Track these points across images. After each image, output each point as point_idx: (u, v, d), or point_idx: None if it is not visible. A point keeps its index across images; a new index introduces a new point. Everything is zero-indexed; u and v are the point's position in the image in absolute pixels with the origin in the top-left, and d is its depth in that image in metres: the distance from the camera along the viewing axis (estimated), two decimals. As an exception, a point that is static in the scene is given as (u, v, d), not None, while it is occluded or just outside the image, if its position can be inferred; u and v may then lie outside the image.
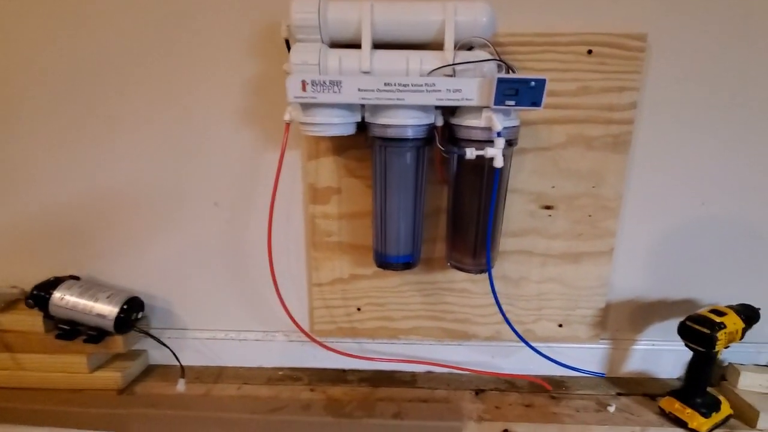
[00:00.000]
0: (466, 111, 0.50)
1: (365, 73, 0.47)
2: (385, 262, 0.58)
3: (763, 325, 0.62)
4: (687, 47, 0.57)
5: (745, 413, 0.62)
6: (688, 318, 0.59)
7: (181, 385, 0.64)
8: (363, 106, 0.51)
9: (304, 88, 0.46)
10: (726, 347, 0.59)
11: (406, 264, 0.58)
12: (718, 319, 0.57)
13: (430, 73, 0.47)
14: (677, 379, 0.71)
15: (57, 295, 0.62)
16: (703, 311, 0.59)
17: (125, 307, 0.63)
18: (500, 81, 0.44)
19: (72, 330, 0.63)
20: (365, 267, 0.65)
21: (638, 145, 0.60)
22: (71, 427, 0.63)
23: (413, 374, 0.72)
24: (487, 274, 0.56)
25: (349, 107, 0.50)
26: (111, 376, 0.65)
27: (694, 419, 0.59)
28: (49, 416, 0.62)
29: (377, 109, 0.50)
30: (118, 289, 0.66)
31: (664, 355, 0.70)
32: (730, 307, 0.60)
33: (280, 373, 0.72)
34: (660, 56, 0.57)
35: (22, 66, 0.60)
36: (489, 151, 0.48)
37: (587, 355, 0.69)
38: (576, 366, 0.64)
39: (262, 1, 0.56)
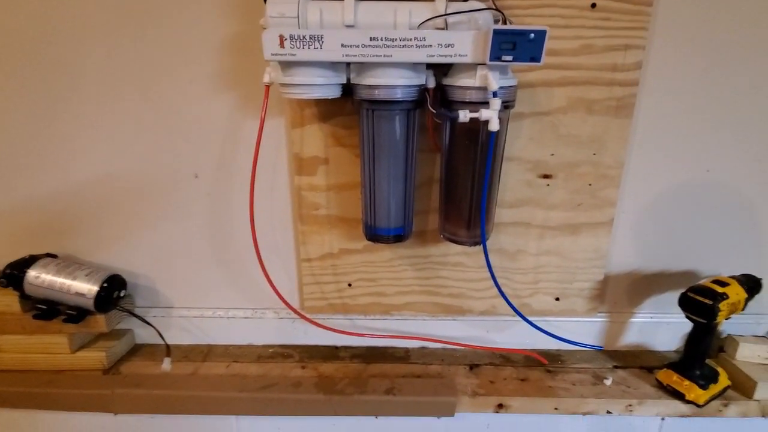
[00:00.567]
0: (460, 69, 0.46)
1: (349, 26, 0.43)
2: (375, 234, 0.55)
3: (762, 296, 0.60)
4: (697, 1, 0.52)
5: (743, 384, 0.61)
6: (690, 289, 0.57)
7: (166, 364, 0.62)
8: (348, 65, 0.48)
9: (281, 44, 0.42)
10: (727, 318, 0.57)
11: (398, 236, 0.55)
12: (720, 290, 0.55)
13: (419, 25, 0.44)
14: (675, 351, 0.70)
15: (32, 273, 0.59)
16: (705, 282, 0.58)
17: (105, 285, 0.60)
18: (496, 33, 0.40)
19: (50, 310, 0.61)
20: (355, 241, 0.63)
21: (642, 109, 0.57)
22: (55, 409, 0.61)
23: (407, 350, 0.70)
24: (481, 246, 0.53)
25: (332, 66, 0.46)
26: (95, 356, 0.63)
27: (692, 391, 0.58)
28: (31, 398, 0.60)
29: (363, 68, 0.46)
30: (98, 267, 0.63)
31: (662, 327, 0.68)
32: (733, 277, 0.58)
33: (271, 350, 0.70)
34: (668, 11, 0.53)
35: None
36: (484, 113, 0.44)
37: (584, 329, 0.68)
38: (573, 339, 0.63)
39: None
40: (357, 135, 0.55)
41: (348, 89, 0.49)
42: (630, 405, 0.60)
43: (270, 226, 0.63)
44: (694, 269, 0.65)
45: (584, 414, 0.61)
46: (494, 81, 0.43)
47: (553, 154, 0.58)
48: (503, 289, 0.58)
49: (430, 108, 0.48)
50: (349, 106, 0.55)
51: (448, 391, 0.61)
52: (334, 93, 0.48)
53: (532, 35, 0.40)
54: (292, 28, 0.42)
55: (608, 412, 0.61)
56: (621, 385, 0.62)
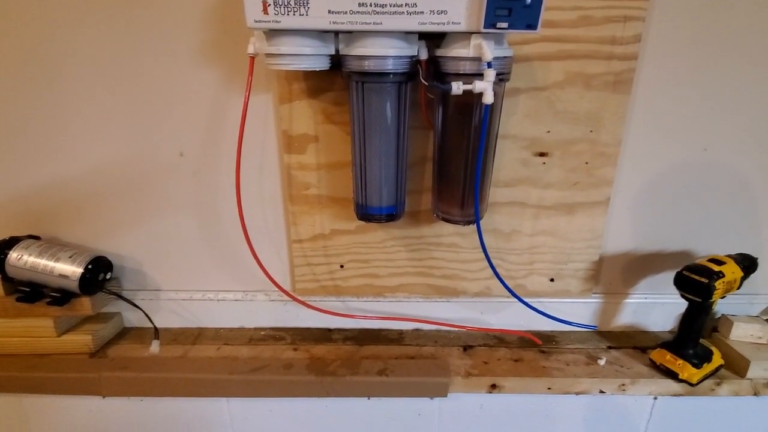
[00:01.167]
0: (453, 39, 0.44)
1: (337, -9, 0.41)
2: (366, 214, 0.54)
3: (756, 276, 0.60)
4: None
5: (736, 363, 0.61)
6: (686, 267, 0.56)
7: (154, 347, 0.61)
8: (337, 35, 0.45)
9: (265, 10, 0.40)
10: (722, 297, 0.57)
11: (390, 216, 0.54)
12: (716, 268, 0.54)
13: (411, -9, 0.41)
14: (669, 332, 0.70)
15: (14, 255, 0.58)
16: (701, 260, 0.57)
17: (90, 266, 0.59)
18: (491, -2, 0.38)
19: (34, 292, 0.59)
20: (347, 221, 0.61)
21: (640, 84, 0.56)
22: (40, 392, 0.60)
23: (400, 332, 0.70)
24: (475, 226, 0.52)
25: (320, 36, 0.44)
26: (81, 340, 0.62)
27: (685, 370, 0.58)
28: (15, 382, 0.59)
29: (352, 37, 0.44)
30: (82, 249, 0.62)
31: (656, 308, 0.68)
32: (729, 256, 0.58)
33: (262, 333, 0.69)
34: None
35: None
36: (478, 85, 0.42)
37: (578, 310, 0.68)
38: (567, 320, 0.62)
39: None
40: (348, 112, 0.53)
41: (338, 63, 0.47)
42: (623, 384, 0.60)
43: (260, 206, 0.62)
44: (690, 249, 0.65)
45: (577, 393, 0.61)
46: (489, 51, 0.41)
47: (549, 132, 0.57)
48: (497, 270, 0.57)
49: (423, 80, 0.46)
50: (340, 82, 0.53)
51: (441, 371, 0.60)
52: (323, 64, 0.46)
53: (529, 0, 0.38)
54: (277, -7, 0.40)
55: (601, 392, 0.61)
56: (614, 365, 0.62)
